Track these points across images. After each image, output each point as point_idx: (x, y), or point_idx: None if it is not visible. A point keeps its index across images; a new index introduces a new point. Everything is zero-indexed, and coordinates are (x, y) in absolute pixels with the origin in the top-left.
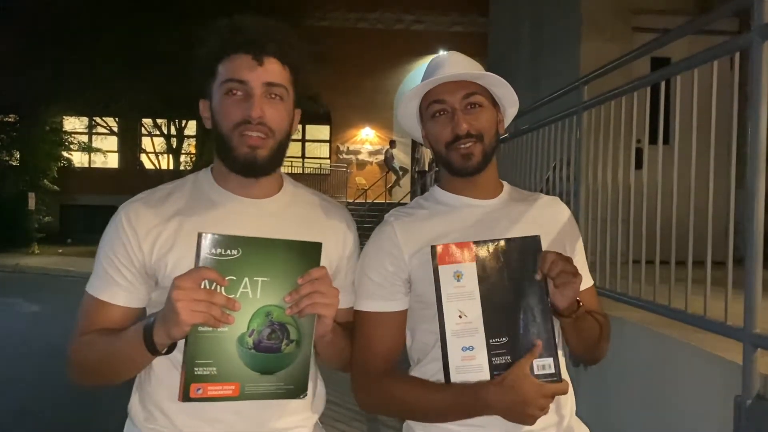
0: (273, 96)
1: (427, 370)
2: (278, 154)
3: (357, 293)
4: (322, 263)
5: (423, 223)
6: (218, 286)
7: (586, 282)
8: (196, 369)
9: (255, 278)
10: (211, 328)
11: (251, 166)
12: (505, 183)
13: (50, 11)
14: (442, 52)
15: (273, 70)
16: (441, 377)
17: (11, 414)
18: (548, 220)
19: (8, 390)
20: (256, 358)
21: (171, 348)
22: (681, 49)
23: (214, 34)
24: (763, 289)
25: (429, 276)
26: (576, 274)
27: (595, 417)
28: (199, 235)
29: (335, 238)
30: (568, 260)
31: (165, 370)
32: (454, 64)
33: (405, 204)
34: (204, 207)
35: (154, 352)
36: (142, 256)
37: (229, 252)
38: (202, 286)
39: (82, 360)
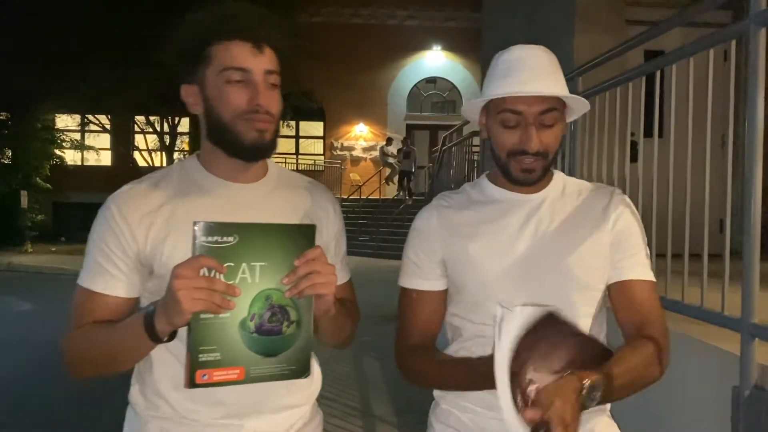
0: (272, 84)
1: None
2: (277, 138)
3: (401, 270)
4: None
5: (462, 210)
6: (217, 273)
7: (640, 273)
8: (200, 355)
9: (253, 263)
10: (212, 315)
11: (259, 150)
12: (557, 174)
13: (41, 8)
14: (523, 46)
15: (271, 58)
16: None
17: (6, 411)
18: (596, 217)
19: (2, 388)
20: (258, 341)
21: (172, 336)
22: (675, 43)
23: (206, 19)
24: (760, 281)
25: (460, 261)
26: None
27: None
28: (195, 224)
29: (323, 218)
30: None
31: (163, 359)
32: (535, 73)
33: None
34: (194, 194)
35: (156, 340)
36: (137, 245)
37: (225, 239)
38: (201, 274)
39: (80, 353)
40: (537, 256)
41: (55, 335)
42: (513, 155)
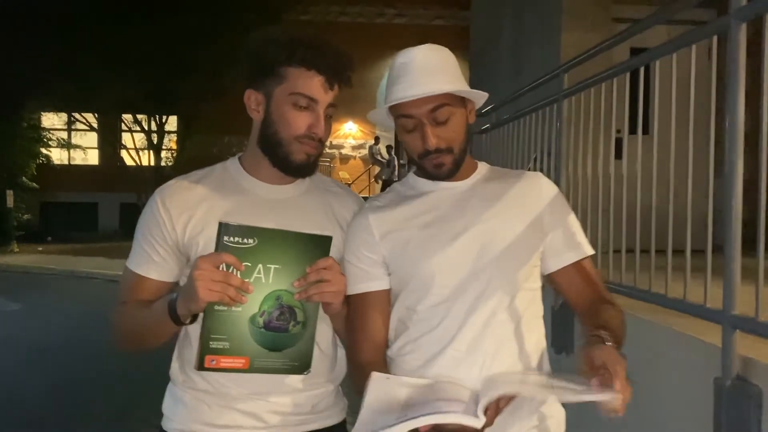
0: (328, 115)
1: (407, 360)
2: (318, 160)
3: (346, 279)
4: (331, 253)
5: (395, 208)
6: (235, 270)
7: (585, 250)
8: (210, 342)
9: (268, 265)
10: (225, 307)
11: (302, 169)
12: (481, 164)
13: (26, 3)
14: (412, 48)
15: (335, 93)
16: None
17: None
18: (526, 195)
19: None
20: (265, 336)
21: (193, 319)
22: (661, 41)
23: (290, 42)
24: (741, 276)
25: (402, 254)
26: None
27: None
28: (220, 224)
29: (349, 221)
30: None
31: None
32: (416, 75)
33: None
34: (233, 192)
35: (178, 322)
36: (176, 235)
37: (246, 240)
38: (221, 269)
39: (121, 327)
40: (476, 238)
41: (41, 335)
42: (422, 157)
